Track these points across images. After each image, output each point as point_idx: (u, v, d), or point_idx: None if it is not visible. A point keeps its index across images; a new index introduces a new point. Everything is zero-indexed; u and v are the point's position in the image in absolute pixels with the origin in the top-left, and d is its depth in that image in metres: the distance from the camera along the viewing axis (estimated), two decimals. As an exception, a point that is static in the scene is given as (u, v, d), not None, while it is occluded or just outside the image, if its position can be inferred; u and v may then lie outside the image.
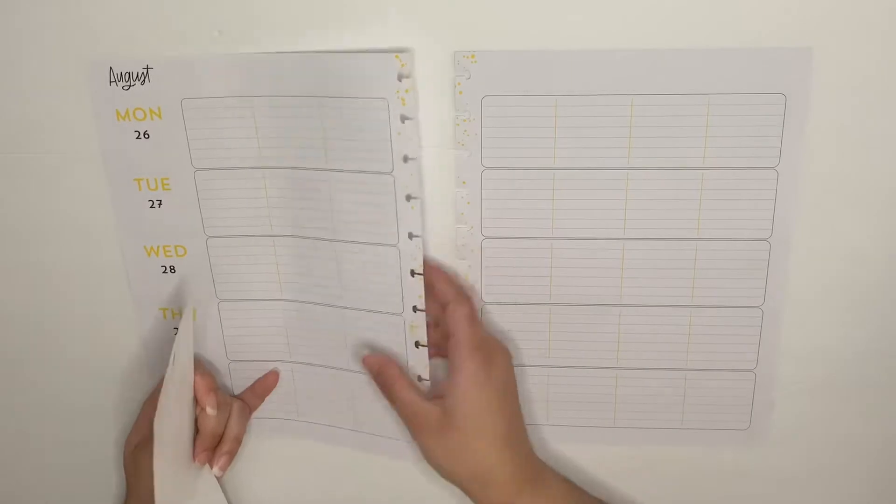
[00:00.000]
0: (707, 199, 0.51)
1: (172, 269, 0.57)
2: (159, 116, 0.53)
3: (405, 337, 0.55)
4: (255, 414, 0.61)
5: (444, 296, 0.53)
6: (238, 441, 0.59)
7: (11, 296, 0.60)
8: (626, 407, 0.58)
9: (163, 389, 0.52)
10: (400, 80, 0.48)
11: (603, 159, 0.51)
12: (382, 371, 0.54)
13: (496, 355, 0.52)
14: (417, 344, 0.55)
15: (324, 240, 0.54)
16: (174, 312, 0.59)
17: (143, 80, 0.52)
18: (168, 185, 0.55)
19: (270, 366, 0.60)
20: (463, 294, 0.53)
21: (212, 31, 0.50)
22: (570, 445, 0.60)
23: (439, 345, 0.55)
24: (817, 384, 0.56)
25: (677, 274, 0.53)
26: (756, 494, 0.60)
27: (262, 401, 0.61)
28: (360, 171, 0.51)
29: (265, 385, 0.61)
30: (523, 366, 0.57)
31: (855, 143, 0.50)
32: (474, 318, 0.53)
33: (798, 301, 0.54)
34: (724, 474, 0.59)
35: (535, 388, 0.58)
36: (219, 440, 0.58)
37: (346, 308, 0.56)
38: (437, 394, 0.53)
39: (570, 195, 0.52)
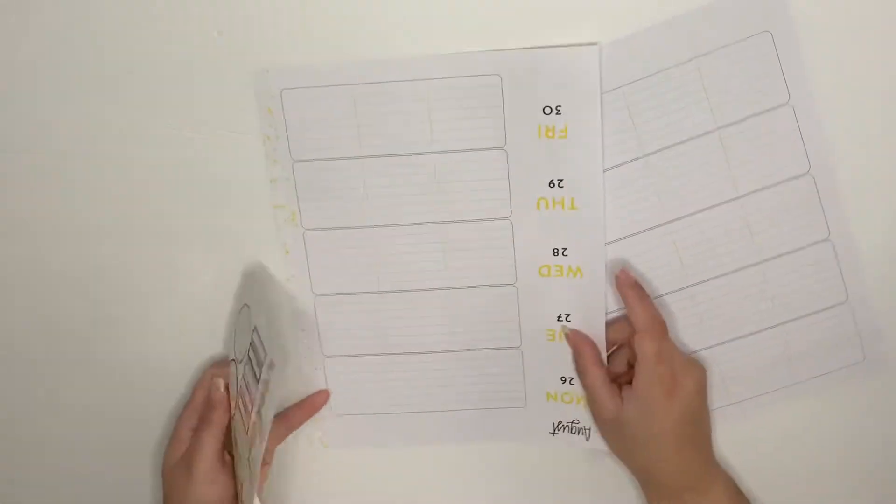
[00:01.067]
0: (734, 156, 0.51)
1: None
2: None
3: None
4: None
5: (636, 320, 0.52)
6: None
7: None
8: (735, 382, 0.57)
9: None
10: None
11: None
12: (580, 349, 0.55)
13: (684, 369, 0.52)
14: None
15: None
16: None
17: None
18: None
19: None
20: (657, 319, 0.52)
21: (211, 31, 0.50)
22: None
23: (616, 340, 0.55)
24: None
25: (732, 237, 0.53)
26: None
27: (307, 419, 0.59)
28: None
29: (313, 403, 0.59)
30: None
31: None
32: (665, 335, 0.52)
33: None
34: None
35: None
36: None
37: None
38: (624, 380, 0.54)
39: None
